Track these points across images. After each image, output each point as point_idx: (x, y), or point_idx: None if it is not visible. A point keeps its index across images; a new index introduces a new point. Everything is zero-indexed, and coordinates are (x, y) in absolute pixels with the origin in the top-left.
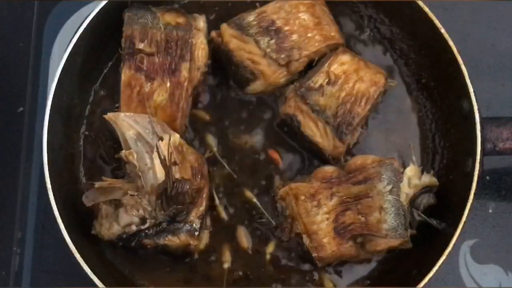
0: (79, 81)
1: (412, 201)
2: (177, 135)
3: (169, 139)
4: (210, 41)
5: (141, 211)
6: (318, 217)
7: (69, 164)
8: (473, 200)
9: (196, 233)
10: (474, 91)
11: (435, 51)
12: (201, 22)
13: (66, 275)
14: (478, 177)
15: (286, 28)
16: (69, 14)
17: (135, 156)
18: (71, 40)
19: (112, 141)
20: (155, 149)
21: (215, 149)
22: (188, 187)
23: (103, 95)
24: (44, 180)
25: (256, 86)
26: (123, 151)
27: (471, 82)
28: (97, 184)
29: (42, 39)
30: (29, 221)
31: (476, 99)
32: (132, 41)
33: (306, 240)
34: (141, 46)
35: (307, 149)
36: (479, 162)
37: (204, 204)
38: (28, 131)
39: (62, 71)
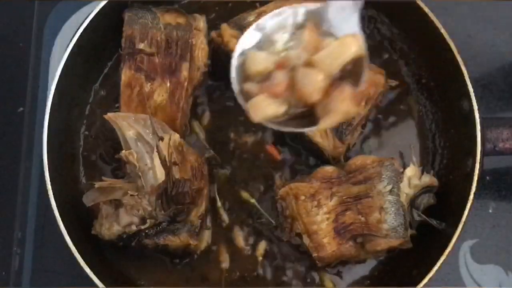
0: (79, 81)
1: (412, 201)
2: (177, 135)
3: (169, 139)
4: (210, 41)
5: (141, 211)
6: (318, 217)
7: (69, 164)
8: (473, 200)
9: (196, 233)
10: (474, 91)
11: (435, 51)
12: (201, 22)
13: (66, 275)
14: (478, 177)
15: None
16: (69, 14)
17: (135, 156)
18: (71, 40)
19: (112, 141)
20: (155, 149)
21: (202, 136)
22: (188, 187)
23: (103, 95)
24: (44, 180)
25: None
26: (123, 151)
27: (471, 82)
28: (97, 184)
29: (42, 39)
30: (29, 221)
31: (476, 99)
32: (132, 41)
33: (306, 240)
34: (141, 46)
35: (307, 149)
36: (479, 162)
37: (204, 204)
38: (28, 131)
39: (62, 71)
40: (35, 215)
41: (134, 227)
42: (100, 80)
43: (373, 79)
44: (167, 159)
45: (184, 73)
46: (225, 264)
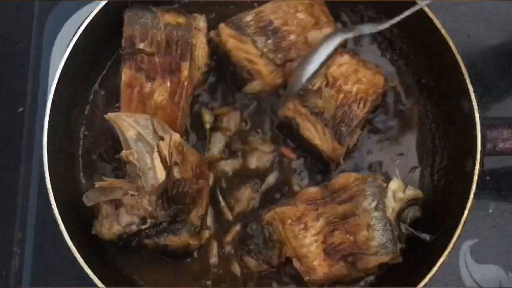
0: (79, 81)
1: (399, 215)
2: (178, 135)
3: (170, 139)
4: (210, 41)
5: (141, 211)
6: (307, 239)
7: (69, 164)
8: (473, 200)
9: (197, 233)
10: (474, 91)
11: (435, 51)
12: (201, 22)
13: (66, 275)
14: (478, 177)
15: (284, 28)
16: (69, 14)
17: (136, 156)
18: (71, 40)
19: (112, 141)
20: (155, 149)
21: (208, 126)
22: (188, 187)
23: (103, 95)
24: (44, 180)
25: (254, 86)
26: (124, 151)
27: (471, 82)
28: (98, 184)
29: (42, 39)
30: (29, 221)
31: (476, 99)
32: (132, 41)
33: (296, 264)
34: (141, 46)
35: (307, 151)
36: (479, 162)
37: (204, 204)
38: (28, 131)
39: (62, 71)
40: (35, 215)
41: (134, 227)
42: (100, 80)
43: (372, 79)
44: (167, 159)
45: (184, 73)
46: (214, 259)
